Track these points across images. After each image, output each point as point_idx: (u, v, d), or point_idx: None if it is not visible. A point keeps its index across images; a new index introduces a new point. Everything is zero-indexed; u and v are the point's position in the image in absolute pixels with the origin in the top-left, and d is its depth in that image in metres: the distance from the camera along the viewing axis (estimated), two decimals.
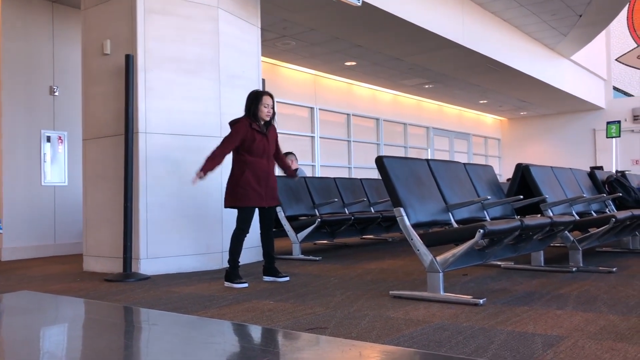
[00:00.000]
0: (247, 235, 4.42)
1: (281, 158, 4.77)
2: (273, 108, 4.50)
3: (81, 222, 5.96)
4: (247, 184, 4.30)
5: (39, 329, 3.14)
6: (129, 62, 5.04)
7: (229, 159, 4.52)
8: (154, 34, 5.20)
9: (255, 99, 4.44)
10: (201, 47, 5.43)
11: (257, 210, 4.48)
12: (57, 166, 7.10)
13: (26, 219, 6.74)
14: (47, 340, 2.91)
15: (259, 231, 4.57)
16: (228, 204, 4.40)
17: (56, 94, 7.10)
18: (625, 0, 10.27)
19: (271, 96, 4.51)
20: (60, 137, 7.11)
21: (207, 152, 5.37)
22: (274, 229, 4.63)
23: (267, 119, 4.44)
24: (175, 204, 5.20)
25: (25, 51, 6.85)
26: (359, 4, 6.26)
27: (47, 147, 7.01)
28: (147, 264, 5.03)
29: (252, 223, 4.46)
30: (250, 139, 4.34)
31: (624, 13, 15.28)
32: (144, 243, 5.04)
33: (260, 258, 4.67)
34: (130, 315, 3.50)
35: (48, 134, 7.02)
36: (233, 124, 4.49)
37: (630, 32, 15.60)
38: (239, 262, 4.38)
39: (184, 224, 5.23)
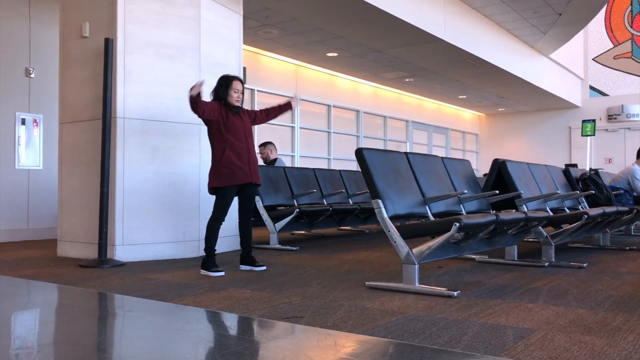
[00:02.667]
0: (224, 223, 4.41)
1: (274, 110, 4.69)
2: (243, 93, 4.47)
3: (55, 206, 5.88)
4: (231, 163, 4.27)
5: (10, 314, 3.10)
6: (108, 46, 4.97)
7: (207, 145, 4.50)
8: (135, 18, 5.13)
9: (224, 83, 4.41)
10: (182, 33, 5.37)
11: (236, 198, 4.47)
12: (32, 150, 6.98)
13: None
14: (18, 325, 2.88)
15: (237, 220, 4.56)
16: (214, 184, 4.32)
17: (32, 75, 6.96)
18: (604, 1, 10.43)
19: (241, 81, 4.48)
20: (35, 120, 6.99)
21: (186, 138, 5.36)
22: (252, 219, 4.63)
23: (237, 104, 4.41)
24: (152, 190, 5.15)
25: (1, 31, 6.70)
26: None
27: (21, 130, 6.88)
28: (123, 251, 4.99)
29: (230, 211, 4.45)
30: (225, 117, 4.32)
31: (602, 14, 15.52)
32: (119, 229, 4.99)
33: (238, 247, 4.67)
34: (104, 301, 3.47)
35: (23, 117, 6.89)
36: None
37: (607, 32, 15.85)
38: (215, 250, 4.37)
39: (161, 211, 5.19)
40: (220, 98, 4.39)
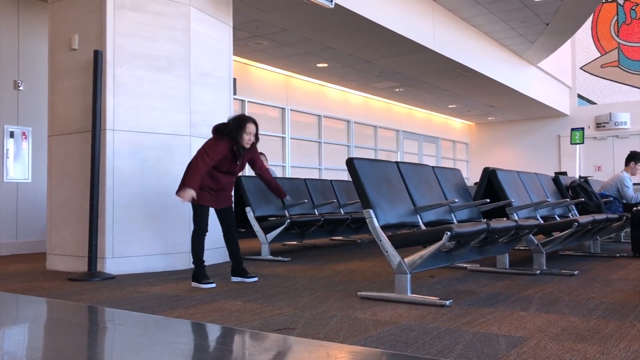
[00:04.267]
0: (215, 236, 4.39)
1: (269, 181, 4.77)
2: (256, 135, 4.40)
3: (44, 219, 5.83)
4: (206, 188, 4.30)
5: None
6: (98, 58, 4.95)
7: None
8: (124, 30, 5.13)
9: (238, 125, 4.31)
10: (172, 45, 5.37)
11: (213, 210, 4.47)
12: (21, 162, 6.93)
13: None
14: (7, 340, 2.84)
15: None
16: (179, 190, 4.25)
17: (21, 88, 6.93)
18: (590, 11, 10.56)
19: (255, 124, 4.40)
20: (24, 132, 6.94)
21: (176, 149, 5.34)
22: (242, 230, 4.61)
23: (247, 147, 4.37)
24: (142, 202, 5.13)
25: None
26: (332, 6, 6.28)
27: (10, 143, 6.83)
28: (113, 264, 4.94)
29: (217, 223, 4.43)
30: (224, 159, 4.31)
31: (588, 23, 15.70)
32: (109, 242, 4.96)
33: (228, 259, 4.65)
34: (94, 315, 3.44)
35: (11, 129, 6.84)
36: (216, 131, 4.40)
37: (594, 41, 16.03)
38: (204, 261, 4.34)
39: (151, 223, 5.16)
40: (231, 137, 4.30)
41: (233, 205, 4.63)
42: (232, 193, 4.56)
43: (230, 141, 4.29)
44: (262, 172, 4.72)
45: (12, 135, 6.84)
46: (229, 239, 4.50)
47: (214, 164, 4.26)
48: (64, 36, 5.34)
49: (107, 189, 4.98)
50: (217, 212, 4.49)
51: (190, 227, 5.28)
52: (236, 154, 4.33)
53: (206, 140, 4.45)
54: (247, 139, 4.33)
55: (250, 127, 4.34)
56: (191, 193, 4.12)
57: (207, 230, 4.36)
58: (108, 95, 5.02)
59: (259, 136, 4.47)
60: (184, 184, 4.28)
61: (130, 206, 5.07)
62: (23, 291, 4.09)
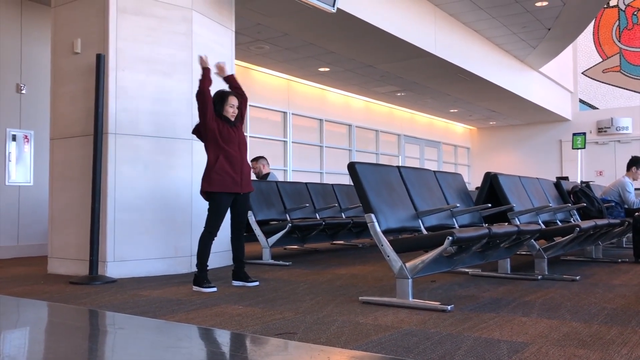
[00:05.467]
0: (216, 238, 4.39)
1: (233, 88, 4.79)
2: (239, 108, 4.50)
3: (46, 223, 5.83)
4: (223, 170, 4.30)
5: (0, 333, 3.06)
6: (100, 62, 4.97)
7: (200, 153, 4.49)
8: (126, 34, 5.14)
9: (220, 99, 4.45)
10: (174, 49, 5.39)
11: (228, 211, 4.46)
12: (23, 166, 6.94)
13: None
14: (8, 344, 2.84)
15: (230, 235, 4.54)
16: (205, 188, 4.35)
17: (23, 92, 6.94)
18: (592, 16, 10.57)
19: (236, 96, 4.53)
20: (26, 136, 6.96)
21: (178, 153, 5.35)
22: (244, 234, 4.61)
23: (232, 119, 4.44)
24: (143, 206, 5.13)
25: None
26: (334, 11, 6.29)
27: (12, 146, 6.84)
28: (114, 267, 4.94)
29: (221, 226, 4.43)
30: (221, 126, 4.36)
31: (590, 28, 15.72)
32: (111, 245, 4.96)
33: (230, 262, 4.64)
34: (95, 318, 3.44)
35: (14, 133, 6.85)
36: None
37: (596, 46, 16.05)
38: (208, 265, 4.34)
39: (153, 227, 5.16)
40: (216, 112, 4.42)
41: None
42: (250, 179, 4.56)
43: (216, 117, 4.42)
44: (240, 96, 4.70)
45: (14, 138, 6.86)
46: (236, 242, 4.49)
47: (211, 112, 4.36)
48: (67, 40, 5.36)
49: (109, 192, 4.98)
50: (235, 201, 4.43)
51: (192, 230, 5.30)
52: (226, 123, 4.40)
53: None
54: (232, 112, 4.44)
55: (233, 100, 4.46)
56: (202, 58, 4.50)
57: (216, 235, 4.36)
58: (110, 99, 5.03)
59: (242, 113, 4.56)
60: (203, 180, 4.36)
61: (131, 210, 5.07)
62: (24, 295, 4.09)
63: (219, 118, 4.41)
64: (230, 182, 4.33)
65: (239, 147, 4.43)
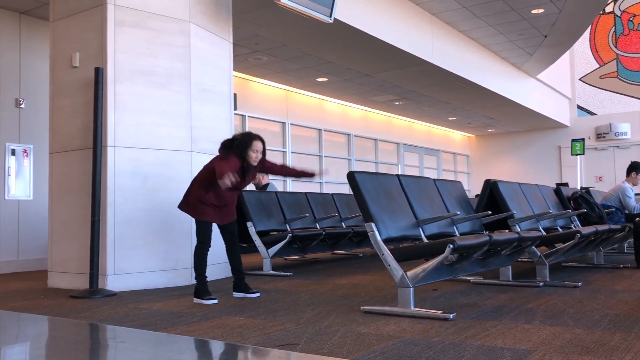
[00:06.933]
0: (216, 250, 4.38)
1: (294, 171, 4.79)
2: (263, 153, 4.37)
3: (46, 237, 5.82)
4: (209, 204, 4.30)
5: (0, 348, 3.04)
6: (99, 75, 4.98)
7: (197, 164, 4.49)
8: (125, 47, 5.15)
9: (245, 144, 4.28)
10: (172, 61, 5.40)
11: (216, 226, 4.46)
12: (22, 180, 6.93)
13: None
14: (9, 358, 2.82)
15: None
16: (183, 209, 4.38)
17: (22, 106, 6.95)
18: (588, 22, 10.62)
19: (262, 142, 4.37)
20: (25, 150, 6.96)
21: (177, 165, 5.34)
22: (244, 245, 4.60)
23: (254, 164, 4.34)
24: (143, 219, 5.12)
25: None
26: (331, 21, 6.32)
27: (11, 161, 6.84)
28: (114, 280, 4.92)
29: (219, 239, 4.43)
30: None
31: (586, 35, 15.79)
32: (111, 259, 4.94)
33: (230, 274, 4.63)
34: (96, 332, 3.42)
35: (13, 147, 6.86)
36: (223, 148, 4.36)
37: (592, 53, 16.11)
38: (207, 277, 4.33)
39: (153, 240, 5.15)
40: (240, 155, 4.28)
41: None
42: (235, 207, 4.55)
43: (238, 158, 4.29)
44: (286, 171, 4.73)
45: (13, 152, 6.86)
46: (231, 255, 4.49)
47: (231, 171, 4.07)
48: (65, 54, 5.37)
49: (109, 205, 4.97)
50: (221, 226, 4.48)
51: (191, 242, 5.28)
52: (244, 171, 4.32)
53: (207, 155, 4.46)
54: (255, 157, 4.31)
55: (257, 145, 4.32)
56: (230, 176, 3.92)
57: (210, 246, 4.35)
58: (109, 112, 5.03)
59: (267, 152, 4.45)
60: (187, 200, 4.31)
61: (131, 222, 5.06)
62: (24, 309, 4.07)
63: (240, 162, 4.24)
64: (212, 214, 4.33)
65: (235, 190, 4.37)
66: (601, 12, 15.49)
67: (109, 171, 5.00)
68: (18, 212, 6.86)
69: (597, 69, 16.05)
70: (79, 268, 5.07)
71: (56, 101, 5.46)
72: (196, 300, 4.23)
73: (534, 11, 9.25)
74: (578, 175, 13.14)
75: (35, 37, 7.11)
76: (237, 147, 4.29)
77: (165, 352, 2.81)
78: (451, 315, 3.35)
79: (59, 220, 5.34)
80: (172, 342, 2.96)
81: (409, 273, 3.51)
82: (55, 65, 5.49)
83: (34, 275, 6.28)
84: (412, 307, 3.50)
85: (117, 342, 3.18)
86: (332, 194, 8.01)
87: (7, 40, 6.90)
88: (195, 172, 5.35)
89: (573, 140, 12.83)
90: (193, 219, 4.42)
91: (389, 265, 3.57)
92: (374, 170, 13.35)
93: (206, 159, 4.70)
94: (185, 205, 4.41)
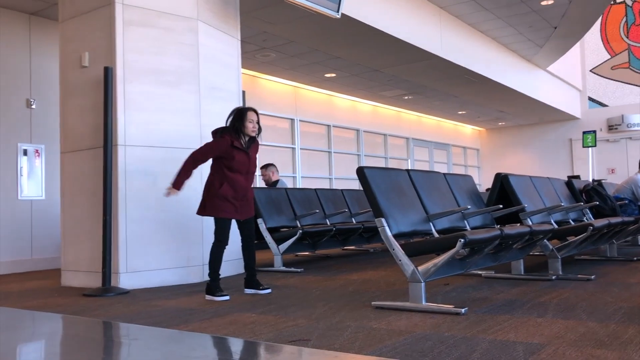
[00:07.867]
0: (228, 247, 4.39)
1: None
2: (258, 123, 4.45)
3: (59, 236, 5.87)
4: (225, 197, 4.30)
5: (15, 346, 3.07)
6: (108, 75, 5.00)
7: (206, 165, 4.50)
8: (133, 46, 5.17)
9: (239, 116, 4.38)
10: (181, 59, 5.41)
11: (234, 222, 4.47)
12: (34, 180, 6.99)
13: (2, 234, 6.61)
14: (24, 357, 2.85)
15: (240, 244, 4.55)
16: (202, 212, 4.40)
17: (33, 106, 7.01)
18: (599, 12, 10.51)
19: (256, 112, 4.46)
20: (37, 150, 7.02)
21: None
22: (255, 241, 4.61)
23: (254, 134, 4.41)
24: (154, 216, 5.15)
25: (2, 63, 6.77)
26: (338, 16, 6.30)
27: (23, 161, 6.90)
28: (127, 278, 4.96)
29: (233, 235, 4.44)
30: (230, 156, 4.31)
31: (597, 25, 15.62)
32: (123, 257, 4.97)
33: (242, 270, 4.65)
34: (109, 330, 3.44)
35: (25, 147, 6.92)
36: (215, 133, 4.47)
37: (603, 43, 15.95)
38: (220, 274, 4.34)
39: (164, 237, 5.18)
40: (236, 131, 4.36)
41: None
42: (252, 200, 4.55)
43: (230, 136, 4.32)
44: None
45: (25, 153, 6.92)
46: (247, 252, 4.50)
47: (209, 158, 4.36)
48: (75, 54, 5.40)
49: (120, 203, 5.01)
50: (239, 223, 4.48)
51: (203, 240, 5.31)
52: (241, 148, 4.34)
53: None
54: (252, 127, 4.38)
55: (252, 115, 4.40)
56: (171, 190, 4.33)
57: (227, 244, 4.36)
58: (119, 111, 5.06)
59: (261, 126, 4.50)
60: (203, 203, 4.39)
61: (142, 220, 5.09)
62: (39, 308, 4.11)
63: (231, 142, 4.30)
64: (231, 209, 4.33)
65: (247, 173, 4.41)
66: (612, 2, 15.32)
67: (119, 170, 5.03)
68: (31, 212, 6.93)
69: (608, 59, 15.89)
70: (91, 266, 5.11)
71: (66, 101, 5.50)
72: (208, 297, 4.25)
73: (544, 2, 9.17)
74: (590, 167, 13.03)
75: (45, 37, 7.16)
76: (233, 121, 4.37)
77: (178, 348, 2.82)
78: (463, 310, 3.34)
79: (71, 220, 5.38)
80: (185, 339, 2.97)
81: (420, 268, 3.51)
82: (65, 65, 5.53)
83: (48, 274, 6.34)
84: (424, 302, 3.50)
85: (130, 339, 3.20)
86: (341, 190, 8.01)
87: (18, 41, 6.95)
88: (205, 168, 5.38)
89: (584, 132, 12.73)
90: (205, 217, 4.43)
91: (400, 261, 3.56)
92: (383, 166, 13.32)
93: None
94: (202, 208, 4.41)
